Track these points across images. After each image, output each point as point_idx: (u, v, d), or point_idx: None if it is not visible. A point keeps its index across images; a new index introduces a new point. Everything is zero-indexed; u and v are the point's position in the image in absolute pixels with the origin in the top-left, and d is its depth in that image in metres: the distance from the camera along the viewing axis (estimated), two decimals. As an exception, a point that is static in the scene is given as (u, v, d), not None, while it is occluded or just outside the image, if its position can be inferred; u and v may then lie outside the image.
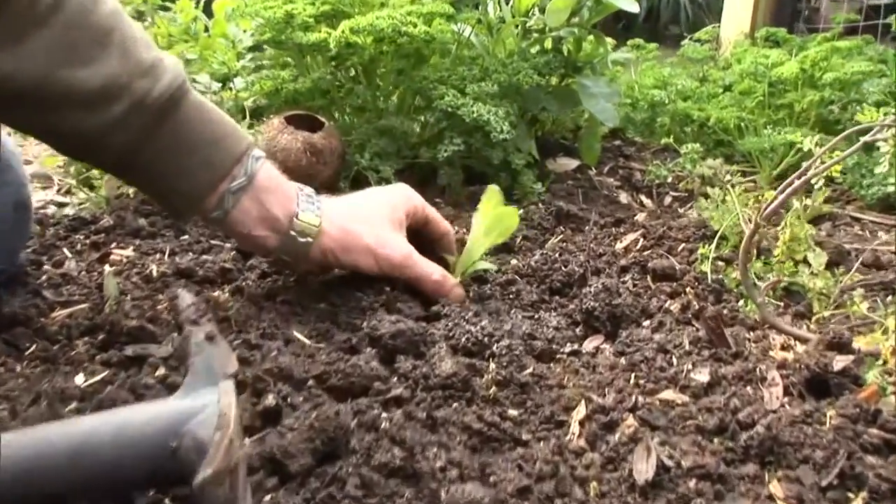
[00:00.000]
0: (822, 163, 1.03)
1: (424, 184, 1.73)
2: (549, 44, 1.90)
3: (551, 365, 0.94)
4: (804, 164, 1.07)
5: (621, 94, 1.84)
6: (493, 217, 1.14)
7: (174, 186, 0.97)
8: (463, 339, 0.93)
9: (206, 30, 1.94)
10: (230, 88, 1.56)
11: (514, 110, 1.79)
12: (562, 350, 0.99)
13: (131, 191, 1.60)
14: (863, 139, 1.03)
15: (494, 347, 0.91)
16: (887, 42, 3.00)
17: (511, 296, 1.18)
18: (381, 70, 1.77)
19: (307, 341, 0.97)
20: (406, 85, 1.76)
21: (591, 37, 1.91)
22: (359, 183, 1.66)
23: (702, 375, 0.85)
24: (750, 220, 1.25)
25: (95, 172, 1.56)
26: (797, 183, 0.99)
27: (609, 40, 2.15)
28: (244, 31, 1.90)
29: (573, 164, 2.03)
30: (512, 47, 1.95)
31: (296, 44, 1.68)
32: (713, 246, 1.20)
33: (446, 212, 1.54)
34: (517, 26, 1.94)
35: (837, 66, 1.92)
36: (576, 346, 1.00)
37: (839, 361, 0.81)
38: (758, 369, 0.86)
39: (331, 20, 1.78)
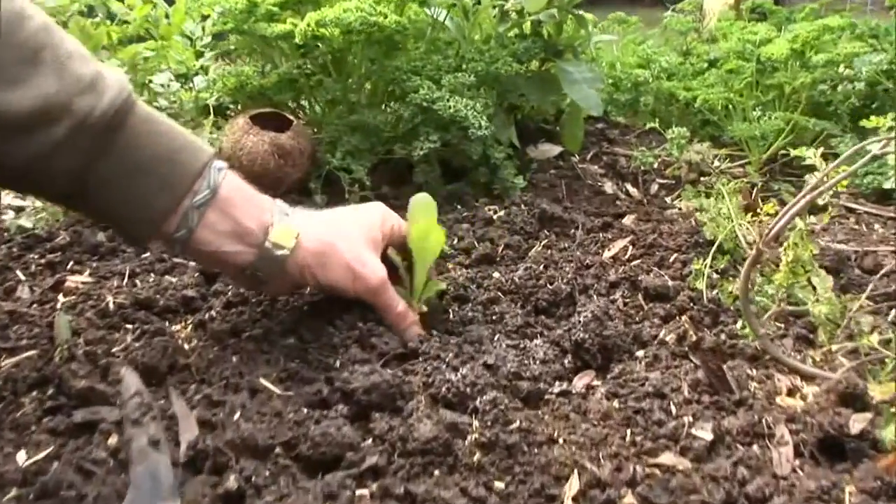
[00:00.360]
0: (829, 177, 0.96)
1: (399, 182, 1.65)
2: (527, 27, 1.81)
3: (539, 412, 0.87)
4: (808, 179, 1.00)
5: (604, 79, 1.75)
6: (415, 238, 1.06)
7: (130, 211, 0.89)
8: (443, 389, 0.86)
9: (167, 16, 1.83)
10: (190, 88, 1.46)
11: (491, 99, 1.71)
12: (550, 390, 0.92)
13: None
14: (873, 151, 0.95)
15: (478, 401, 0.84)
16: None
17: (494, 318, 1.10)
18: (351, 60, 1.68)
19: (275, 389, 0.89)
20: (378, 76, 1.66)
21: (571, 17, 1.82)
22: (331, 184, 1.58)
23: (704, 432, 0.78)
24: (747, 236, 1.18)
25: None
26: (801, 204, 0.91)
27: (589, 16, 2.06)
28: (205, 19, 1.79)
29: (555, 150, 1.95)
30: (489, 31, 1.85)
31: (260, 36, 1.58)
32: (708, 261, 1.13)
33: (424, 214, 1.45)
34: (494, 8, 1.84)
35: (829, 44, 1.84)
36: (565, 385, 0.93)
37: (856, 423, 0.74)
38: (764, 421, 0.79)
39: (297, 6, 1.68)
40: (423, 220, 1.08)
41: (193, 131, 1.46)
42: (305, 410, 0.84)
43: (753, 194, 1.70)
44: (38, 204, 1.49)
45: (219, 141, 1.51)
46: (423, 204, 1.09)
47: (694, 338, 0.96)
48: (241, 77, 1.57)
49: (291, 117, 1.57)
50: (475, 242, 1.34)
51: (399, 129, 1.63)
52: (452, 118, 1.53)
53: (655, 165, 1.83)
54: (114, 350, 0.97)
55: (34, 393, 0.89)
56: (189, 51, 1.42)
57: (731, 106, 1.88)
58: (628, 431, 0.80)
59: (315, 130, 1.64)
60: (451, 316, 1.11)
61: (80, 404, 0.83)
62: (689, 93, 1.97)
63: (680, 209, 1.68)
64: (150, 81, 1.41)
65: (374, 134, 1.60)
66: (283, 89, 1.65)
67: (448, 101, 1.54)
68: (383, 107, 1.75)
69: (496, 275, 1.24)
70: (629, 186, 1.82)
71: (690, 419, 0.81)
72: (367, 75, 1.68)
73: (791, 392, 0.86)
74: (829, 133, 1.72)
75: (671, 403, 0.85)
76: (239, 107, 1.70)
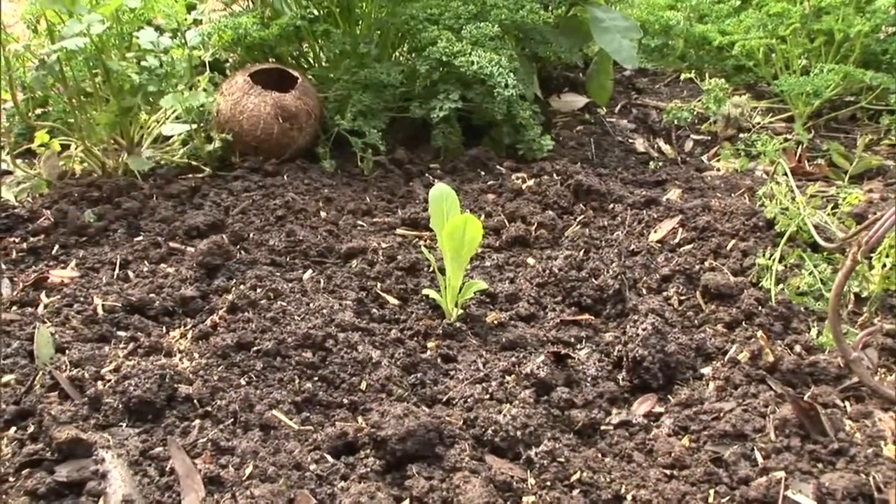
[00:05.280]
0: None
1: (416, 144, 1.50)
2: (554, -33, 1.64)
3: (598, 451, 0.75)
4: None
5: (639, 28, 1.59)
6: (450, 234, 0.93)
7: None
8: (489, 432, 0.74)
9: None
10: (182, 44, 1.30)
11: (515, 50, 1.55)
12: (608, 420, 0.81)
13: (78, 167, 1.36)
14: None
15: (532, 451, 0.71)
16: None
17: (532, 315, 0.98)
18: (360, 7, 1.52)
19: (291, 424, 0.77)
20: (391, 24, 1.50)
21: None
22: (340, 147, 1.43)
23: (803, 497, 0.66)
24: (811, 217, 1.05)
25: (33, 146, 1.31)
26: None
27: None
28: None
29: (580, 101, 1.80)
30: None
31: (259, -18, 1.42)
32: (777, 255, 1.00)
33: (445, 183, 1.31)
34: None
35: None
36: (623, 413, 0.81)
37: None
38: (872, 479, 0.67)
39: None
40: (447, 214, 0.96)
41: (188, 92, 1.31)
42: (329, 460, 0.72)
43: (799, 154, 1.56)
44: (20, 173, 1.34)
45: (216, 102, 1.36)
46: (444, 197, 0.97)
47: (771, 357, 0.83)
48: (239, 29, 1.41)
49: (296, 74, 1.41)
50: (505, 220, 1.21)
51: (415, 85, 1.48)
52: (475, 75, 1.38)
53: (689, 120, 1.68)
54: (103, 372, 0.84)
55: (13, 430, 0.76)
56: (179, 2, 1.26)
57: (773, 54, 1.72)
58: (711, 492, 0.68)
59: (321, 87, 1.48)
60: (483, 312, 0.99)
61: (64, 458, 0.70)
62: (725, 37, 1.81)
63: (718, 170, 1.55)
64: (136, 38, 1.25)
65: (387, 91, 1.45)
66: (286, 41, 1.49)
67: (470, 55, 1.39)
68: (395, 58, 1.59)
69: (531, 261, 1.11)
70: (661, 143, 1.68)
71: (783, 475, 0.68)
72: (377, 24, 1.52)
73: (898, 437, 0.73)
74: (885, 87, 1.57)
75: (756, 449, 0.73)
76: (233, 59, 1.54)
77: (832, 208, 1.06)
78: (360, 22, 1.53)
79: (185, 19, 1.32)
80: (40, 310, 0.97)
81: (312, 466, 0.70)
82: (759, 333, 0.87)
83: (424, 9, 1.49)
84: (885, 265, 0.82)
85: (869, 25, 1.57)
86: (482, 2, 1.53)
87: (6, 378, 0.83)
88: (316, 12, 1.51)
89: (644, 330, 0.87)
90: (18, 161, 1.34)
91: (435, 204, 0.96)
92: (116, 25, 1.28)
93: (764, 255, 1.01)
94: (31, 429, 0.76)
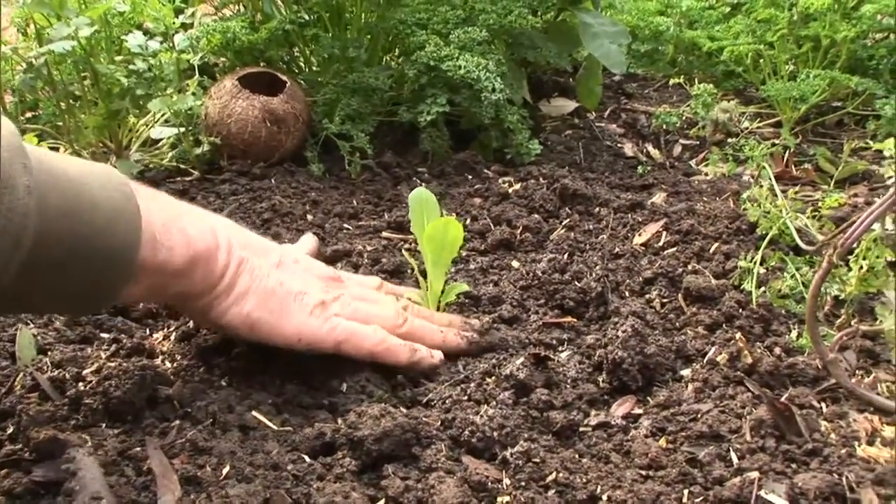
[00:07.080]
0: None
1: (404, 149, 1.51)
2: (542, -29, 1.65)
3: (575, 452, 0.76)
4: (887, 170, 0.87)
5: (627, 33, 1.60)
6: (430, 237, 0.94)
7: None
8: (466, 432, 0.74)
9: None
10: (170, 48, 1.31)
11: (503, 54, 1.56)
12: (586, 421, 0.81)
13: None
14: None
15: (508, 452, 0.72)
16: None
17: (515, 318, 0.99)
18: (350, 11, 1.52)
19: (270, 424, 0.77)
20: (380, 29, 1.51)
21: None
22: (329, 151, 1.44)
23: (776, 496, 0.66)
24: (794, 221, 1.05)
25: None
26: (881, 209, 0.78)
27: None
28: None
29: (570, 106, 1.81)
30: (500, -24, 1.69)
31: (248, -14, 1.43)
32: (758, 258, 1.00)
33: (432, 187, 1.32)
34: (506, -49, 1.68)
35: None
36: (602, 415, 0.82)
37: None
38: (845, 479, 0.67)
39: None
40: (428, 214, 0.97)
41: (176, 95, 1.32)
42: (307, 460, 0.72)
43: (786, 159, 1.57)
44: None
45: (204, 106, 1.36)
46: (424, 201, 0.97)
47: (749, 359, 0.84)
48: (228, 33, 1.41)
49: (285, 78, 1.42)
50: (490, 224, 1.21)
51: (403, 89, 1.49)
52: (463, 79, 1.39)
53: (678, 124, 1.69)
54: (84, 373, 0.84)
55: (-8, 430, 0.77)
56: (167, 6, 1.28)
57: (761, 60, 1.73)
58: (685, 491, 0.69)
59: (310, 91, 1.49)
60: (466, 314, 0.99)
61: (41, 458, 0.71)
62: (714, 43, 1.82)
63: (706, 174, 1.55)
64: (124, 41, 1.26)
65: (376, 95, 1.46)
66: (275, 45, 1.49)
67: (457, 59, 1.39)
68: (385, 62, 1.60)
69: (515, 264, 1.12)
70: (650, 148, 1.69)
71: (757, 475, 0.69)
72: (367, 29, 1.53)
73: (871, 439, 0.74)
74: (871, 92, 1.57)
75: (731, 450, 0.73)
76: (223, 62, 1.54)
77: (813, 211, 1.06)
78: (350, 26, 1.54)
79: (174, 23, 1.32)
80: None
81: (290, 466, 0.71)
82: (738, 335, 0.88)
83: (413, 13, 1.50)
84: (861, 267, 0.82)
85: (855, 31, 1.58)
86: (470, 7, 1.54)
87: (-13, 379, 0.83)
88: (306, 17, 1.52)
89: (624, 332, 0.87)
90: (7, 164, 1.34)
91: (415, 208, 0.96)
92: (105, 29, 1.29)
93: (746, 258, 1.02)
94: (9, 430, 0.76)
